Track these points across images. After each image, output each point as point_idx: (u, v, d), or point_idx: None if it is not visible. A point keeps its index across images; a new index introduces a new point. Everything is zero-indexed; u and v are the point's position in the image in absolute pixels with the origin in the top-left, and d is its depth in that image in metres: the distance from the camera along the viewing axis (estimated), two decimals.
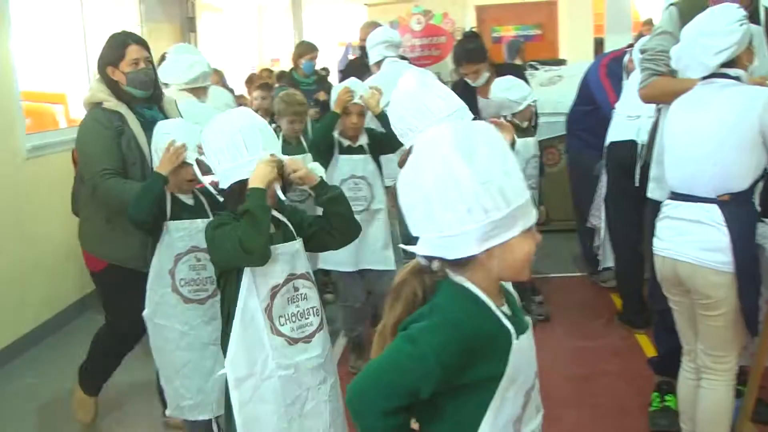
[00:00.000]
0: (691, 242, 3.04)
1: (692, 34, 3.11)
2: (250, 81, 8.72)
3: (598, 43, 9.93)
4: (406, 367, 1.64)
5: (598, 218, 5.46)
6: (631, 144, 4.77)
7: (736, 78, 3.05)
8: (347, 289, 4.62)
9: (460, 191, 1.59)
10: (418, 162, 1.67)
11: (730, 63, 3.04)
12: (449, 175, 1.60)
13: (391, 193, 2.84)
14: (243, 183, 2.63)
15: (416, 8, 8.86)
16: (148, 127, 3.55)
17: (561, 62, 9.27)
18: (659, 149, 3.58)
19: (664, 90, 3.47)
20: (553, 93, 7.25)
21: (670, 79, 3.46)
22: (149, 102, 3.76)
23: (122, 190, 3.45)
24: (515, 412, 1.73)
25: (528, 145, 5.11)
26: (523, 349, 1.72)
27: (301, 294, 2.75)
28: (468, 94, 5.33)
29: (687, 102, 3.15)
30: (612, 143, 5.07)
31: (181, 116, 3.90)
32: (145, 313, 3.39)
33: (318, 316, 2.79)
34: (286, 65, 11.11)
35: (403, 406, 1.68)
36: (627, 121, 4.90)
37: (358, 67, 6.31)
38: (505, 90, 5.14)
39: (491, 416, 1.68)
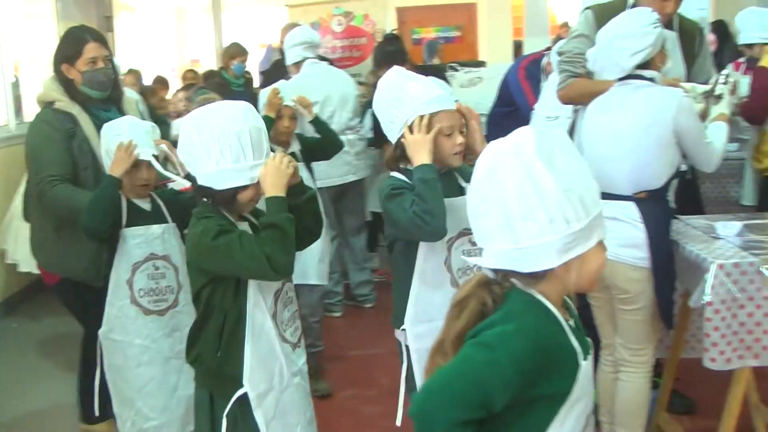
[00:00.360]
0: (609, 239, 3.07)
1: (608, 37, 3.19)
2: (158, 82, 8.60)
3: (517, 46, 10.08)
4: (481, 374, 1.53)
5: None
6: None
7: (651, 79, 3.13)
8: None
9: (543, 200, 1.52)
10: (496, 169, 1.58)
11: (644, 65, 3.12)
12: (531, 183, 1.52)
13: (379, 190, 2.71)
14: (236, 189, 2.39)
15: (337, 9, 8.85)
16: None
17: (481, 64, 9.36)
18: (577, 149, 3.66)
19: (581, 91, 3.54)
20: (473, 94, 7.30)
21: (587, 81, 3.53)
22: (107, 103, 3.52)
23: (70, 198, 3.23)
24: None
25: None
26: (588, 370, 1.65)
27: (289, 297, 2.60)
28: None
29: (603, 103, 3.22)
30: None
31: (144, 117, 3.74)
32: (101, 330, 3.18)
33: (298, 319, 2.66)
34: (207, 66, 11.02)
35: (475, 419, 1.55)
36: (546, 121, 4.97)
37: (280, 68, 6.28)
38: None
39: None
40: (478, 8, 12.02)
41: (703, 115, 3.32)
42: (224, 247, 2.31)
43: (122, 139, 3.08)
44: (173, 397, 3.16)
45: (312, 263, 4.28)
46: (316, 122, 4.39)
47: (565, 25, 9.27)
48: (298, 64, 5.39)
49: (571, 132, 3.88)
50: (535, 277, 1.59)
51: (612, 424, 3.33)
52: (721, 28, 6.50)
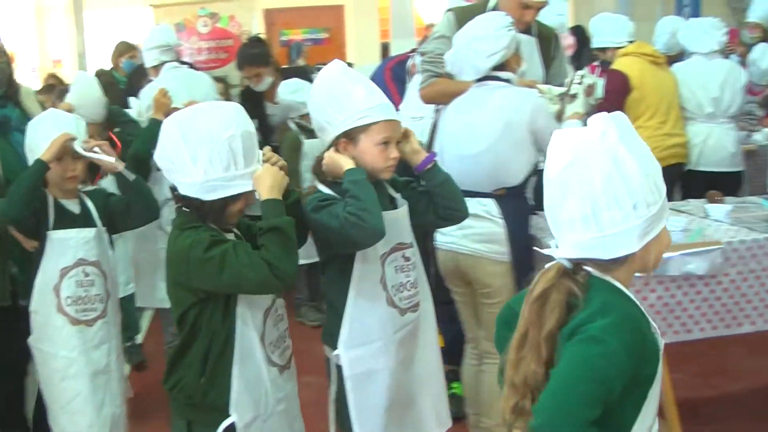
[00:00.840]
0: (471, 235, 3.19)
1: (465, 39, 3.27)
2: None
3: (385, 48, 10.16)
4: (601, 368, 1.52)
5: None
6: None
7: (507, 80, 3.23)
8: None
9: (628, 186, 1.54)
10: (581, 158, 1.57)
11: (500, 66, 3.22)
12: (617, 170, 1.54)
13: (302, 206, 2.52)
14: (226, 200, 2.18)
15: (202, 10, 8.77)
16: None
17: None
18: (439, 148, 3.73)
19: (442, 91, 3.60)
20: None
21: (448, 81, 3.59)
22: (2, 99, 3.23)
23: None
24: (653, 418, 1.65)
25: (314, 146, 5.14)
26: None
27: (279, 315, 2.38)
28: (253, 99, 5.31)
29: (462, 103, 3.30)
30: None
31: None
32: (30, 338, 2.95)
33: (289, 338, 2.43)
34: (69, 66, 10.71)
35: (599, 412, 1.53)
36: (411, 122, 5.01)
37: (144, 71, 6.12)
38: (291, 93, 5.17)
39: (641, 418, 1.60)
40: (346, 10, 12.08)
41: (560, 116, 3.45)
42: (218, 259, 2.08)
43: (49, 133, 2.86)
44: (100, 415, 2.93)
45: None
46: None
47: (431, 27, 9.42)
48: (156, 68, 5.20)
49: (433, 131, 3.97)
50: (617, 263, 1.61)
51: (478, 415, 3.42)
52: (579, 32, 6.73)
